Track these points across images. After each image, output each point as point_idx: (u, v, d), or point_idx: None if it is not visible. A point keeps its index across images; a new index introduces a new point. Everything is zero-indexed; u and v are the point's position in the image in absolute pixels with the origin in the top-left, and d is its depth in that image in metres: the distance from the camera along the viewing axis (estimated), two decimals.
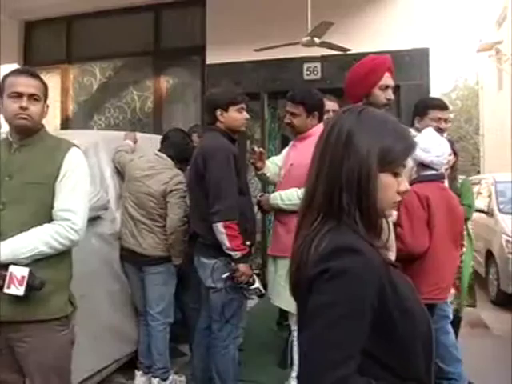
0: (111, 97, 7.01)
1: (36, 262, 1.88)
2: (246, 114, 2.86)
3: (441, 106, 3.12)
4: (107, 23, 6.90)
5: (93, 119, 7.08)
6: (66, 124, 7.09)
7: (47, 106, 2.07)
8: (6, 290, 1.79)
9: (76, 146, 2.07)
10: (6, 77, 1.98)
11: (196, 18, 6.56)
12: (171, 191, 3.10)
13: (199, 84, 6.56)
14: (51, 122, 7.14)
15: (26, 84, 1.94)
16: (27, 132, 1.98)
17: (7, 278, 1.80)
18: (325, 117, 3.08)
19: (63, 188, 1.95)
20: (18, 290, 1.80)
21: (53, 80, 7.08)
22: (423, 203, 2.44)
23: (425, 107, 3.10)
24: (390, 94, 2.28)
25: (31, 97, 1.95)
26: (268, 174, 3.18)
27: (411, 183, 2.50)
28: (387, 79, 2.28)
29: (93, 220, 3.09)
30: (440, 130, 2.96)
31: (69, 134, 3.87)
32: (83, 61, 7.10)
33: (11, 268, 1.81)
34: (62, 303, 2.00)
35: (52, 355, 1.96)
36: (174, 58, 6.72)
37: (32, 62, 7.23)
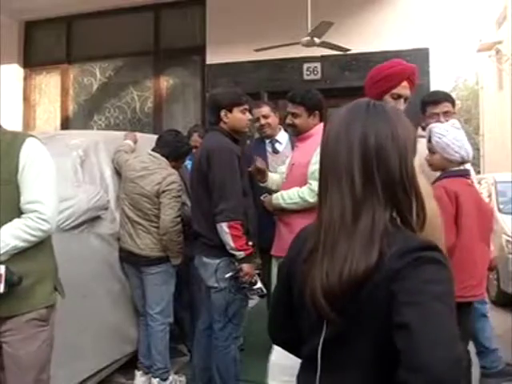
0: (111, 97, 7.01)
1: (14, 257, 1.88)
2: (249, 115, 2.88)
3: (434, 99, 2.99)
4: (107, 23, 6.90)
5: (93, 119, 7.08)
6: (65, 124, 7.08)
7: None
8: None
9: (32, 136, 2.03)
10: None
11: (196, 18, 6.56)
12: (164, 191, 3.10)
13: (199, 84, 6.56)
14: (51, 122, 7.16)
15: None
16: None
17: None
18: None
19: (25, 181, 1.92)
20: None
21: (53, 80, 7.09)
22: (452, 199, 2.38)
23: (422, 105, 3.03)
24: (400, 104, 2.19)
25: None
26: (274, 188, 3.13)
27: (438, 179, 2.47)
28: (402, 89, 2.19)
29: (93, 220, 3.10)
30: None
31: (69, 134, 3.88)
32: (83, 61, 7.10)
33: None
34: (47, 292, 2.00)
35: (32, 350, 1.96)
36: (174, 58, 6.72)
37: (32, 62, 7.24)
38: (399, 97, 2.19)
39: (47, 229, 1.95)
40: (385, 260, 0.96)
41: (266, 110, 3.77)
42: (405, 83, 2.19)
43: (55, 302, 2.05)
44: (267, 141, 3.85)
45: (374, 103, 1.09)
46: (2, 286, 1.81)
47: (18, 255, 1.90)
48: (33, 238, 1.92)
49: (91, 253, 3.02)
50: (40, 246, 1.98)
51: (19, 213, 1.93)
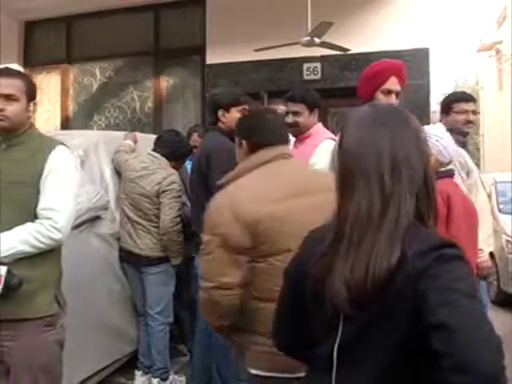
0: (111, 97, 7.01)
1: (18, 261, 1.87)
2: None
3: (465, 97, 3.08)
4: (107, 23, 6.90)
5: (93, 119, 7.07)
6: (66, 124, 7.08)
7: (34, 105, 2.03)
8: None
9: (63, 144, 2.04)
10: None
11: (196, 18, 6.56)
12: (164, 191, 3.10)
13: (199, 84, 6.56)
14: (51, 122, 7.16)
15: (1, 85, 1.91)
16: (7, 132, 1.95)
17: None
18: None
19: (47, 187, 1.93)
20: None
21: (53, 80, 7.09)
22: (444, 200, 2.38)
23: (449, 102, 3.06)
24: (392, 99, 2.28)
25: (8, 97, 1.92)
26: None
27: None
28: (391, 84, 2.29)
29: (93, 220, 3.10)
30: (469, 122, 2.94)
31: (69, 134, 3.87)
32: (83, 61, 7.10)
33: None
34: (47, 302, 1.97)
35: (38, 354, 1.94)
36: (173, 58, 6.72)
37: (32, 62, 7.23)
38: (389, 92, 2.29)
39: (58, 238, 1.93)
40: (408, 257, 0.97)
41: (282, 109, 3.71)
42: (393, 78, 2.29)
43: (58, 312, 2.02)
44: None
45: (395, 107, 1.16)
46: (0, 287, 1.79)
47: (23, 260, 1.88)
48: (41, 245, 1.90)
49: (91, 253, 3.02)
50: (47, 254, 1.96)
51: (34, 217, 1.92)
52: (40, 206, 1.92)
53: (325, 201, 1.71)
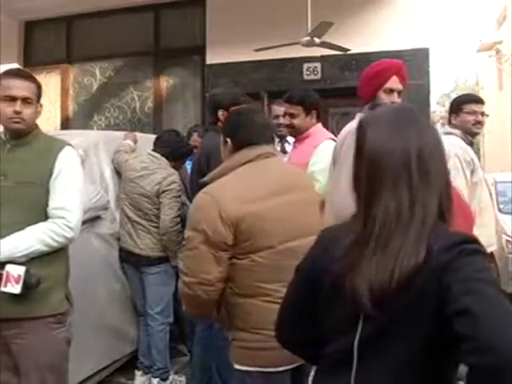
0: (111, 97, 7.01)
1: (32, 260, 1.90)
2: None
3: (475, 99, 3.17)
4: (107, 23, 6.90)
5: (93, 119, 7.07)
6: (66, 124, 7.08)
7: (41, 106, 2.08)
8: (2, 289, 1.82)
9: (70, 145, 2.08)
10: None
11: (196, 18, 6.56)
12: (164, 191, 3.10)
13: (199, 84, 6.56)
14: (51, 122, 7.15)
15: (19, 87, 1.95)
16: (21, 134, 2.00)
17: (4, 276, 1.83)
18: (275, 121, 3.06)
19: (57, 187, 1.97)
20: (15, 289, 1.83)
21: (53, 80, 7.08)
22: None
23: (459, 102, 3.15)
24: (394, 98, 2.31)
25: (25, 100, 1.96)
26: None
27: None
28: (393, 83, 2.31)
29: (93, 220, 3.10)
30: (478, 123, 3.02)
31: (69, 134, 3.88)
32: (83, 61, 7.10)
33: (7, 267, 1.84)
34: (59, 300, 2.01)
35: (48, 352, 1.97)
36: (173, 58, 6.72)
37: (32, 61, 7.23)
38: (391, 91, 2.31)
39: (71, 236, 1.99)
40: (432, 254, 1.00)
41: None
42: (395, 78, 2.31)
43: (68, 309, 2.06)
44: (277, 140, 3.71)
45: (413, 107, 1.18)
46: (20, 287, 1.83)
47: (36, 259, 1.92)
48: (55, 244, 1.95)
49: (91, 253, 3.02)
50: (58, 253, 2.00)
51: (45, 216, 1.96)
52: (52, 205, 1.96)
53: (303, 198, 1.86)
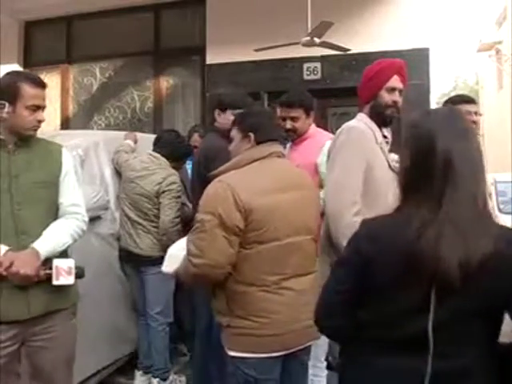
0: (111, 97, 7.01)
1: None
2: None
3: (466, 99, 3.18)
4: (107, 23, 6.90)
5: (93, 119, 7.07)
6: (66, 124, 7.08)
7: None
8: (55, 282, 1.93)
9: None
10: (18, 83, 1.95)
11: (196, 18, 6.56)
12: (164, 192, 3.10)
13: (199, 84, 6.56)
14: (51, 122, 7.15)
15: (43, 97, 2.02)
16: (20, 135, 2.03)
17: (54, 270, 1.93)
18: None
19: (68, 185, 2.10)
20: (68, 280, 1.95)
21: (53, 80, 7.08)
22: None
23: (451, 103, 3.12)
24: (395, 96, 2.32)
25: (44, 109, 2.04)
26: None
27: None
28: (395, 82, 2.32)
29: (93, 220, 3.10)
30: (473, 123, 3.00)
31: (69, 134, 3.88)
32: (83, 61, 7.09)
33: (56, 261, 1.95)
34: (76, 291, 2.14)
35: (70, 342, 2.11)
36: (173, 58, 6.72)
37: (32, 62, 7.23)
38: (393, 90, 2.33)
39: (85, 229, 2.17)
40: (502, 242, 1.15)
41: None
42: (396, 77, 2.33)
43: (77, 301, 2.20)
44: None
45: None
46: (72, 278, 1.96)
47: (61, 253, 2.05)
48: (78, 238, 2.12)
49: (91, 252, 3.02)
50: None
51: (57, 213, 2.08)
52: (66, 202, 2.09)
53: (306, 197, 2.00)
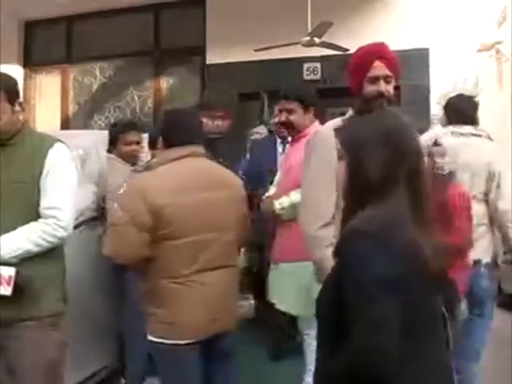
0: (111, 97, 7.01)
1: (23, 261, 1.86)
2: None
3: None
4: (107, 23, 6.91)
5: (93, 119, 7.08)
6: (66, 124, 7.08)
7: (19, 105, 1.96)
8: None
9: (60, 141, 2.02)
10: None
11: (196, 18, 6.56)
12: None
13: (199, 84, 6.57)
14: (51, 122, 7.16)
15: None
16: (5, 136, 1.92)
17: None
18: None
19: (48, 185, 1.92)
20: (6, 291, 1.79)
21: (53, 80, 7.09)
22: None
23: (452, 103, 3.11)
24: (381, 86, 1.96)
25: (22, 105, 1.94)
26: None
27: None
28: (376, 69, 1.98)
29: (91, 221, 3.09)
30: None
31: (69, 134, 3.88)
32: (83, 61, 7.10)
33: None
34: (53, 301, 1.96)
35: (42, 356, 1.92)
36: (173, 58, 6.73)
37: (32, 62, 7.24)
38: (377, 79, 1.98)
39: (62, 236, 1.94)
40: None
41: None
42: (377, 63, 2.00)
43: (63, 310, 2.02)
44: (279, 140, 3.61)
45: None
46: (11, 288, 1.79)
47: (28, 259, 1.87)
48: (46, 244, 1.90)
49: (91, 253, 3.02)
50: (50, 252, 1.95)
51: (36, 215, 1.91)
52: (43, 204, 1.91)
53: (226, 196, 2.11)
